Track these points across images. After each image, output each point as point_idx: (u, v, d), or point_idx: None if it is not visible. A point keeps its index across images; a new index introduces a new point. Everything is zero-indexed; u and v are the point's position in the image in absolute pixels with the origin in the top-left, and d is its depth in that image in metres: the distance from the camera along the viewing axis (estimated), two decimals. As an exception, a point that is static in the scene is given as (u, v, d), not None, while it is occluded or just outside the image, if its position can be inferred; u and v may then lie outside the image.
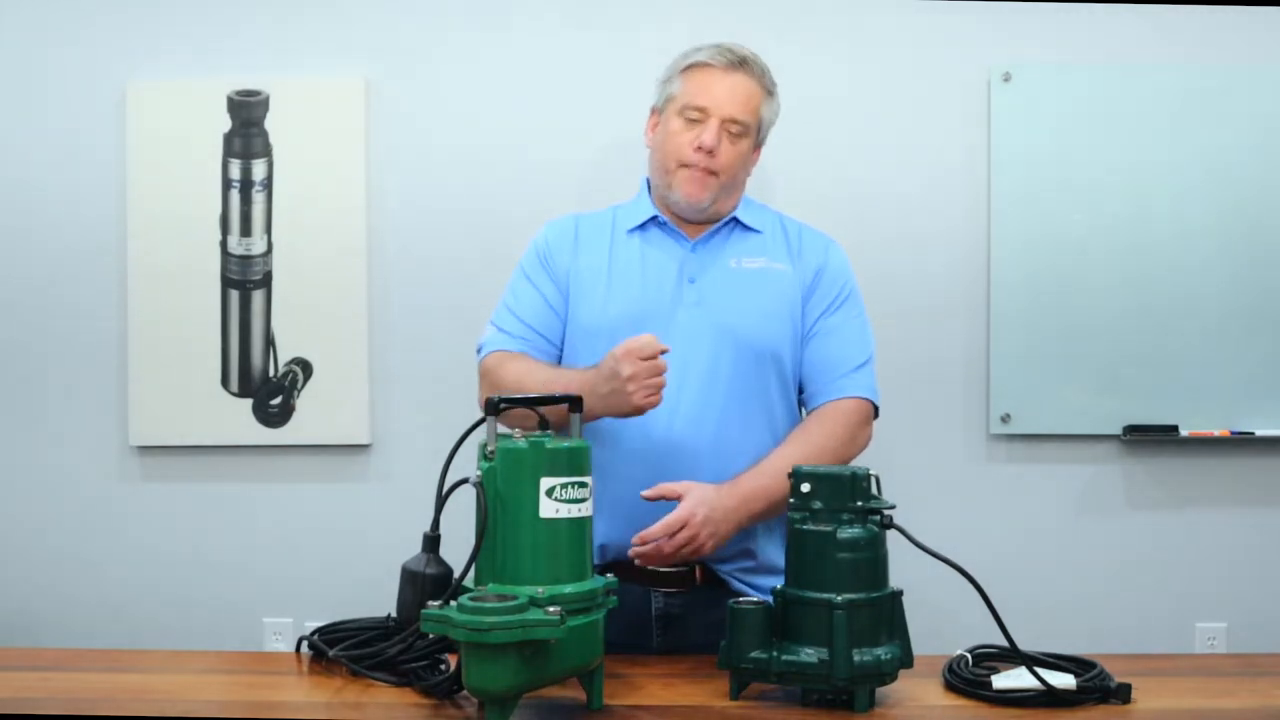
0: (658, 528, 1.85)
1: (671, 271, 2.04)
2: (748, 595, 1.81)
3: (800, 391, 2.10)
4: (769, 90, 2.07)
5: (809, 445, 1.99)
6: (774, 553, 1.99)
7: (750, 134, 2.05)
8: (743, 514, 1.91)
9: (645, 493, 1.87)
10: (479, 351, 2.09)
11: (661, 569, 1.97)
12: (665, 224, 2.07)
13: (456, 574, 1.58)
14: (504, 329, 2.07)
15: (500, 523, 1.53)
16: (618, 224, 2.10)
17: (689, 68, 2.05)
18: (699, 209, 2.04)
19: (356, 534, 2.91)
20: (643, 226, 2.08)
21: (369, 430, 2.91)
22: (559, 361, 2.06)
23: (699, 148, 2.00)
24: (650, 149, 2.11)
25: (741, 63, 2.04)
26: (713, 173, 2.01)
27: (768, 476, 1.93)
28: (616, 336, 1.97)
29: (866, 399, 2.06)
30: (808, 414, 2.09)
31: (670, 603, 1.98)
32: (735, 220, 2.08)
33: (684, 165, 2.01)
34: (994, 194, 2.87)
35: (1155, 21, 2.87)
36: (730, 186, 2.05)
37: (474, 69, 2.90)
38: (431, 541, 1.68)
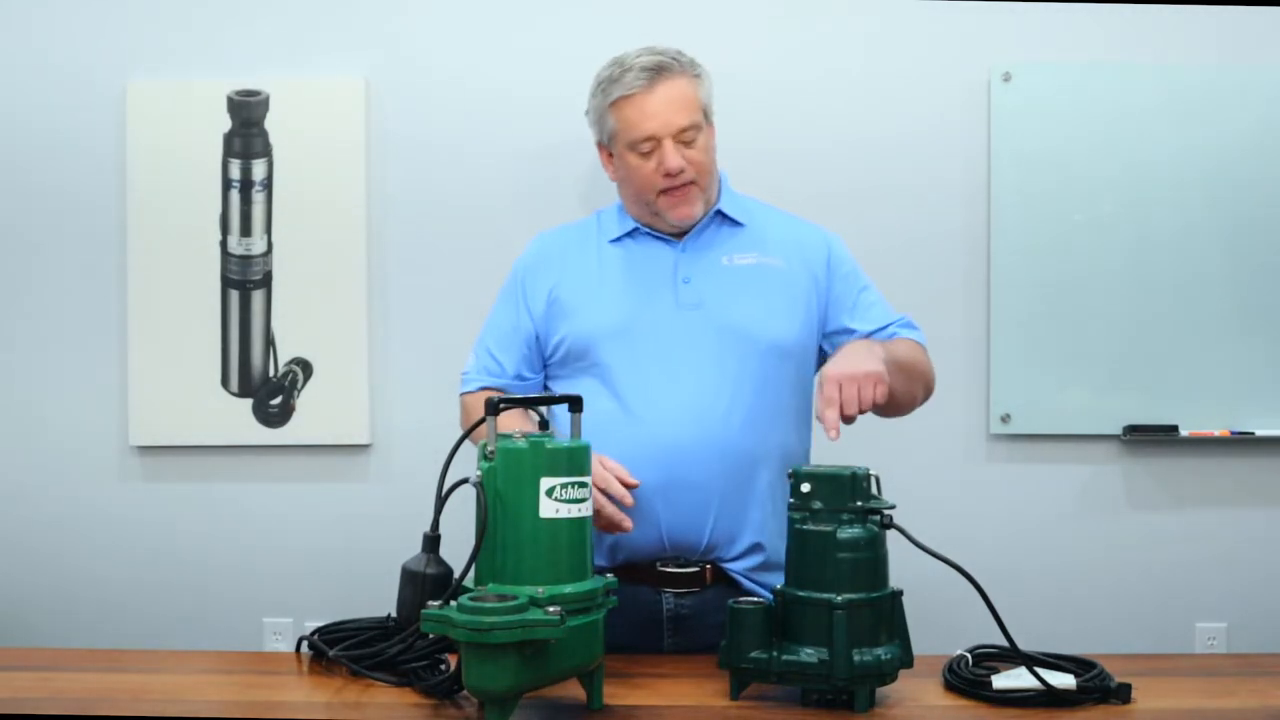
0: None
1: (665, 274, 2.04)
2: (758, 595, 1.82)
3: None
4: (695, 74, 2.04)
5: (911, 347, 2.04)
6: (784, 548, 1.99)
7: (702, 126, 2.03)
8: (877, 350, 1.89)
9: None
10: (463, 378, 2.15)
11: (670, 569, 1.97)
12: (649, 230, 2.07)
13: (456, 574, 1.58)
14: (482, 363, 2.13)
15: (500, 523, 1.53)
16: (603, 231, 2.11)
17: (615, 103, 2.01)
18: (694, 221, 2.04)
19: (356, 534, 2.91)
20: (629, 234, 2.09)
21: (369, 430, 2.91)
22: (543, 384, 2.11)
23: (667, 173, 1.99)
24: (617, 183, 2.10)
25: (659, 70, 1.99)
26: (691, 183, 2.01)
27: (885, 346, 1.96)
28: (616, 343, 1.98)
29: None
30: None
31: (680, 603, 1.98)
32: (719, 213, 2.08)
33: (661, 192, 2.01)
34: (994, 194, 2.87)
35: (1155, 21, 2.87)
36: (710, 183, 2.06)
37: (474, 69, 2.90)
38: (431, 541, 1.68)
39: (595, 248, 2.10)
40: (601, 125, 2.06)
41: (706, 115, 2.05)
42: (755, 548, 1.99)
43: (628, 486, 1.84)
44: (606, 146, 2.08)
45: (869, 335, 2.05)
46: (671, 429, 1.94)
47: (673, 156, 1.98)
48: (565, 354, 2.05)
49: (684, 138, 1.99)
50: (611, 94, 2.01)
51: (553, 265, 2.10)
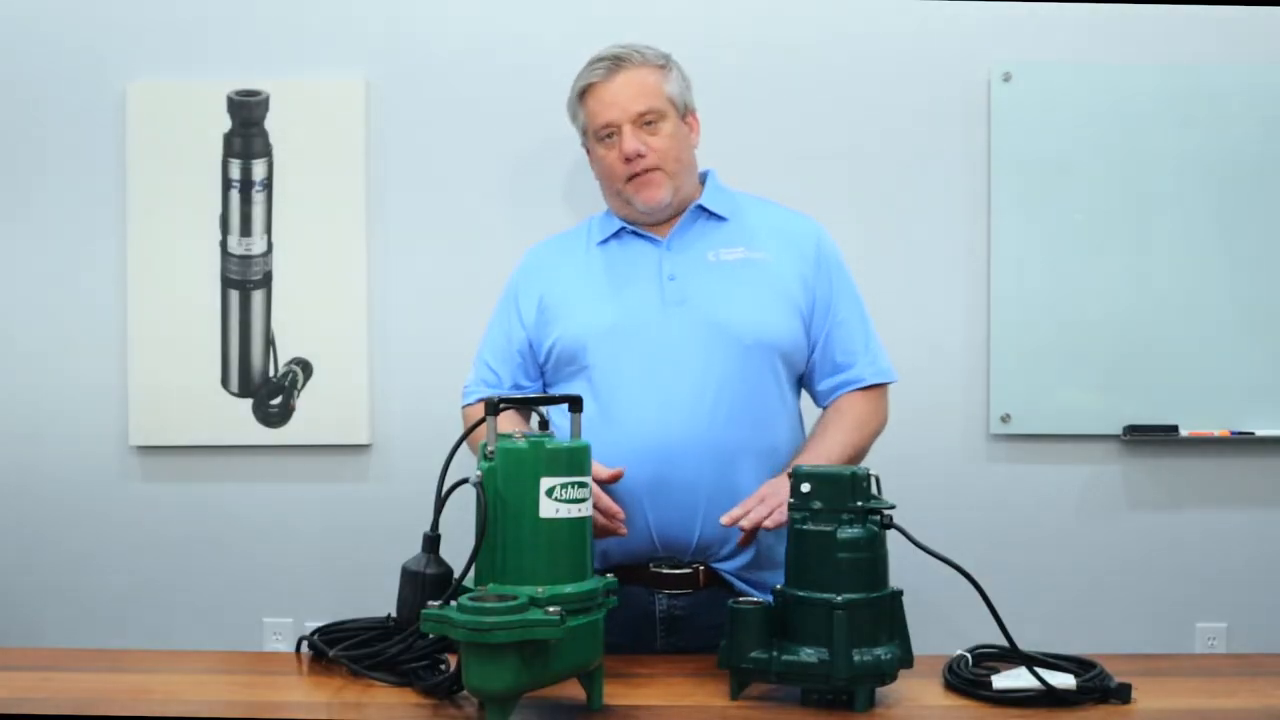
0: (739, 506, 1.87)
1: (650, 272, 2.04)
2: (751, 595, 1.82)
3: (810, 377, 2.11)
4: (662, 65, 2.07)
5: (843, 436, 2.03)
6: (776, 545, 1.98)
7: (668, 115, 2.05)
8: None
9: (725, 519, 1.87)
10: (464, 392, 2.18)
11: (665, 570, 1.97)
12: (635, 230, 2.09)
13: (456, 574, 1.58)
14: (480, 375, 2.15)
15: (500, 523, 1.53)
16: (592, 236, 2.13)
17: (581, 95, 2.07)
18: (664, 206, 2.06)
19: (356, 534, 2.91)
20: (615, 235, 2.10)
21: (369, 430, 2.91)
22: (543, 388, 2.12)
23: (627, 159, 2.02)
24: (598, 181, 2.14)
25: (619, 61, 2.04)
26: (656, 169, 2.02)
27: (819, 457, 1.98)
28: (603, 344, 1.99)
29: (883, 383, 2.12)
30: (831, 403, 2.10)
31: (674, 604, 1.98)
32: (701, 208, 2.09)
33: (627, 179, 2.03)
34: (994, 194, 2.87)
35: (1156, 21, 2.87)
36: (679, 171, 2.06)
37: (474, 69, 2.90)
38: (431, 541, 1.68)
39: (583, 251, 2.11)
40: (576, 121, 2.13)
41: (677, 106, 2.07)
42: (746, 545, 1.98)
43: (610, 481, 1.85)
44: (585, 146, 2.13)
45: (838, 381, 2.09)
46: (657, 428, 1.94)
47: (629, 140, 2.01)
48: (557, 359, 2.06)
49: (644, 123, 2.03)
50: (577, 87, 2.09)
51: (542, 273, 2.13)
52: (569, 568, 1.54)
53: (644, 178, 2.03)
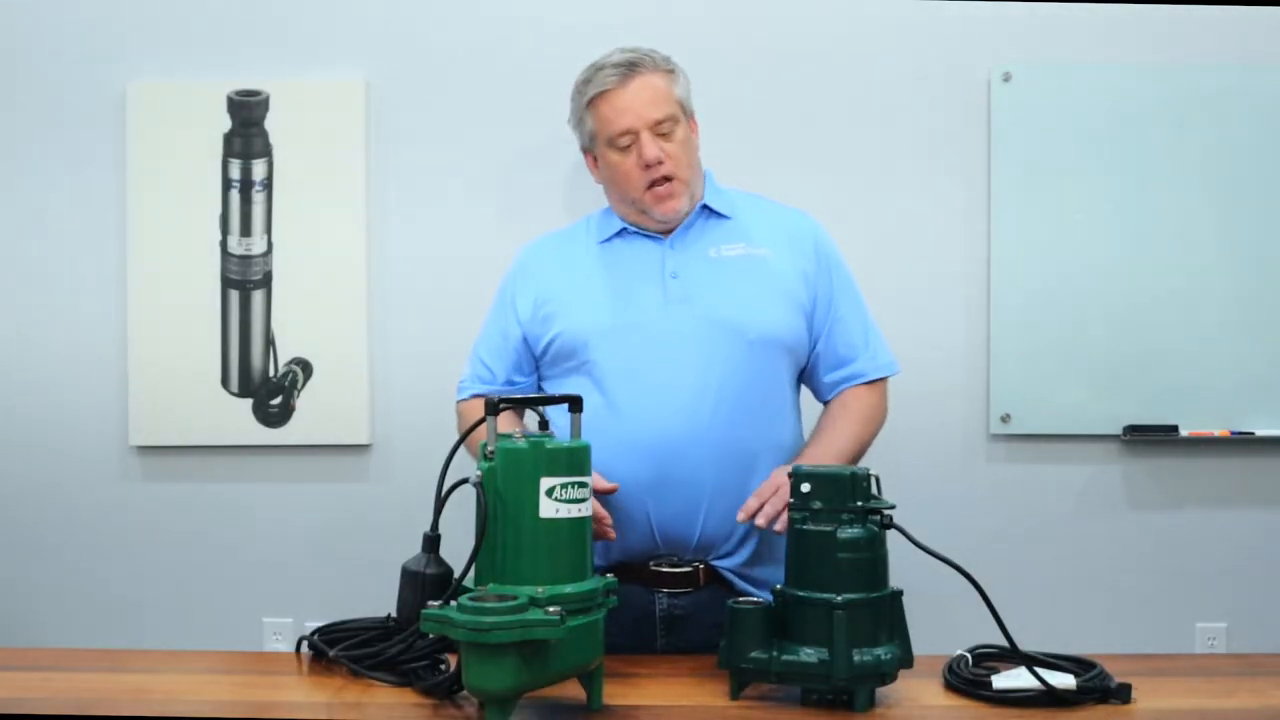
0: (753, 498, 1.88)
1: (653, 270, 2.04)
2: (751, 595, 1.82)
3: (812, 372, 2.11)
4: (669, 70, 2.07)
5: (850, 429, 2.05)
6: (777, 541, 1.98)
7: (680, 120, 2.05)
8: None
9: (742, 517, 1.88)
10: (459, 387, 2.18)
11: (664, 569, 1.97)
12: (638, 230, 2.09)
13: (456, 574, 1.58)
14: (475, 371, 2.15)
15: (500, 523, 1.53)
16: (591, 235, 2.13)
17: (592, 101, 2.05)
18: (682, 215, 2.05)
19: (356, 534, 2.91)
20: (618, 234, 2.10)
21: (369, 430, 2.91)
22: (537, 387, 2.12)
23: (647, 166, 2.01)
24: (603, 185, 2.13)
25: (631, 67, 2.03)
26: (673, 177, 2.02)
27: (828, 450, 2.00)
28: (605, 340, 1.99)
29: (883, 377, 2.13)
30: (832, 400, 2.11)
31: (674, 603, 1.98)
32: (704, 207, 2.09)
33: (645, 188, 2.02)
34: (994, 194, 2.87)
35: (1155, 21, 2.86)
36: (692, 177, 2.07)
37: (474, 68, 2.90)
38: (431, 541, 1.68)
39: (584, 250, 2.11)
40: (582, 128, 2.10)
41: (685, 111, 2.07)
42: (747, 539, 1.99)
43: (604, 492, 1.85)
44: (590, 151, 2.12)
45: (838, 380, 2.10)
46: (660, 425, 1.95)
47: (650, 147, 2.00)
48: (555, 354, 2.06)
49: (660, 130, 2.02)
50: (587, 94, 2.06)
51: (539, 271, 2.12)
52: (569, 568, 1.54)
53: (662, 189, 2.02)
